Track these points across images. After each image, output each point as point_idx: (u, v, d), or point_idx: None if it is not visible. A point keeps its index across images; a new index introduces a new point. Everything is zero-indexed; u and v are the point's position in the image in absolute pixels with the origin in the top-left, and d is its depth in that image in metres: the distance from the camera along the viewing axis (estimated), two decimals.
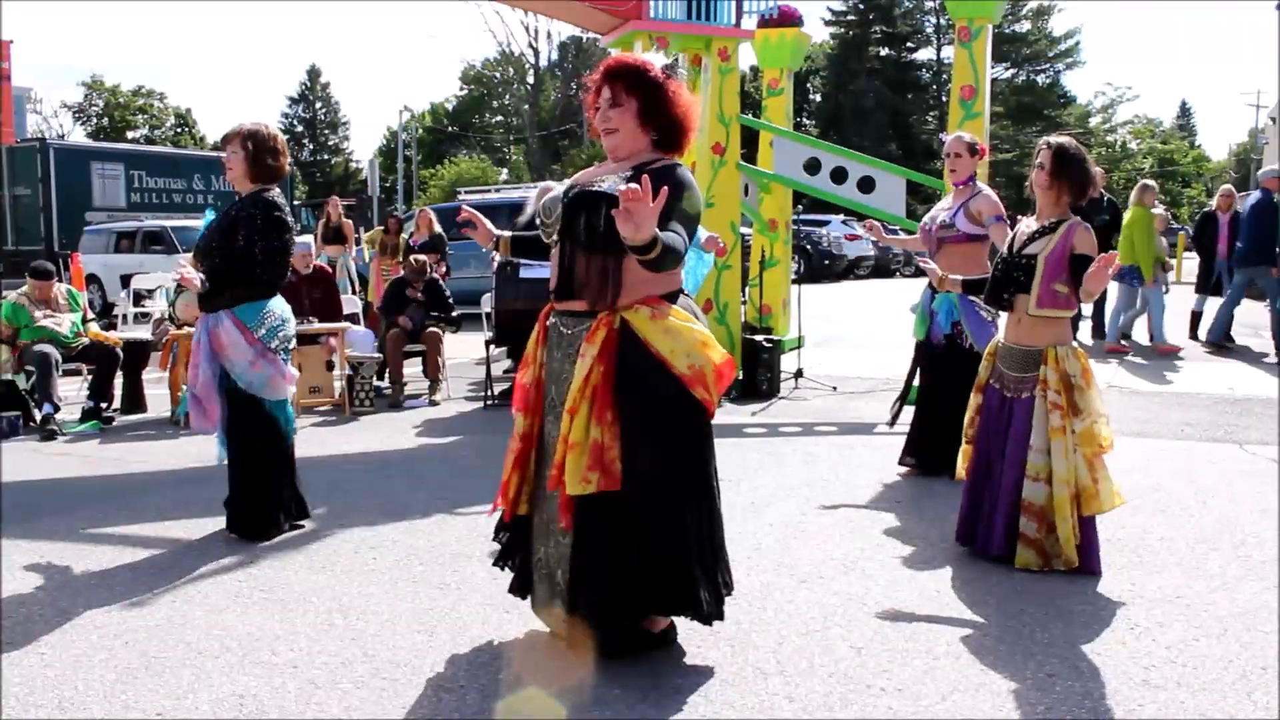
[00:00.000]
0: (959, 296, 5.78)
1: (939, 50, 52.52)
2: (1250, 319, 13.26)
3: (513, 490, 3.59)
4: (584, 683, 3.33)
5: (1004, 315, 4.82)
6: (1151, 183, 12.76)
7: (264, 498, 5.10)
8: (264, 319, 5.08)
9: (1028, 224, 4.65)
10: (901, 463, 6.25)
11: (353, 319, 9.94)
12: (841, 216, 26.79)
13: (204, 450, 6.70)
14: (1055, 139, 4.58)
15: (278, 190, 5.21)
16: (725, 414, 8.28)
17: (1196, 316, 12.83)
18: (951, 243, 5.98)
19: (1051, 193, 4.51)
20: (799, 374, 9.52)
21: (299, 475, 5.28)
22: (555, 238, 3.49)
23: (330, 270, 10.02)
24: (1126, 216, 12.11)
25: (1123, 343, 12.06)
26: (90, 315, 8.77)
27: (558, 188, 3.68)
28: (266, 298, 5.14)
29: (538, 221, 3.59)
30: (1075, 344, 4.53)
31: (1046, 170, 4.49)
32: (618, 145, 3.47)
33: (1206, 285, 12.96)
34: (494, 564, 3.83)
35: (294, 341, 5.34)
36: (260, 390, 5.07)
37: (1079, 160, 4.49)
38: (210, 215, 5.44)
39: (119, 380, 8.52)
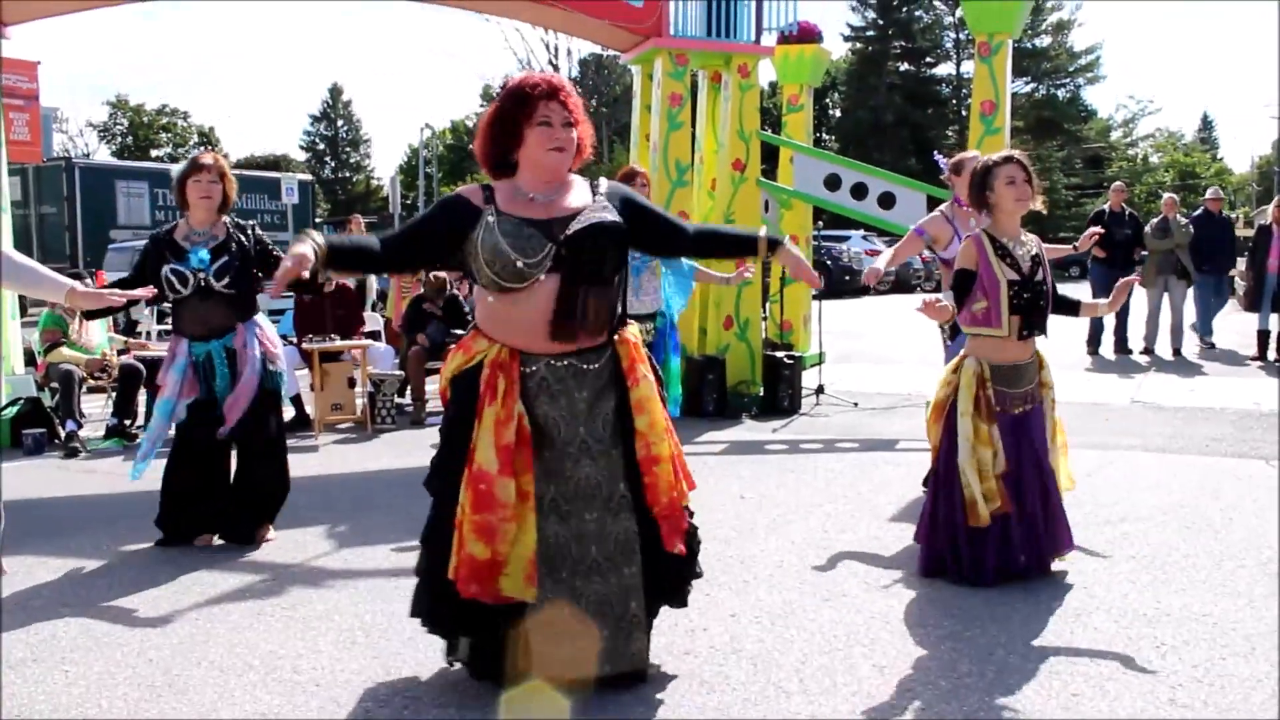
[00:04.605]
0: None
1: (959, 65, 52.38)
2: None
3: (509, 566, 3.23)
4: (600, 702, 3.33)
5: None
6: None
7: (284, 487, 5.43)
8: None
9: (1012, 242, 4.45)
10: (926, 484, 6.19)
11: (374, 336, 9.98)
12: (862, 232, 26.77)
13: None
14: (999, 155, 4.54)
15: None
16: (746, 430, 8.27)
17: (1264, 336, 12.13)
18: None
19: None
20: (820, 390, 9.50)
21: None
22: (541, 277, 3.24)
23: (352, 289, 10.04)
24: None
25: None
26: (114, 333, 8.85)
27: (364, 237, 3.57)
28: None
29: (486, 268, 3.24)
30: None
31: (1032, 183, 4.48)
32: (563, 165, 3.34)
33: (1258, 302, 12.23)
34: (454, 659, 3.58)
35: None
36: (280, 383, 5.40)
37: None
38: (203, 253, 5.11)
39: (142, 397, 8.57)
